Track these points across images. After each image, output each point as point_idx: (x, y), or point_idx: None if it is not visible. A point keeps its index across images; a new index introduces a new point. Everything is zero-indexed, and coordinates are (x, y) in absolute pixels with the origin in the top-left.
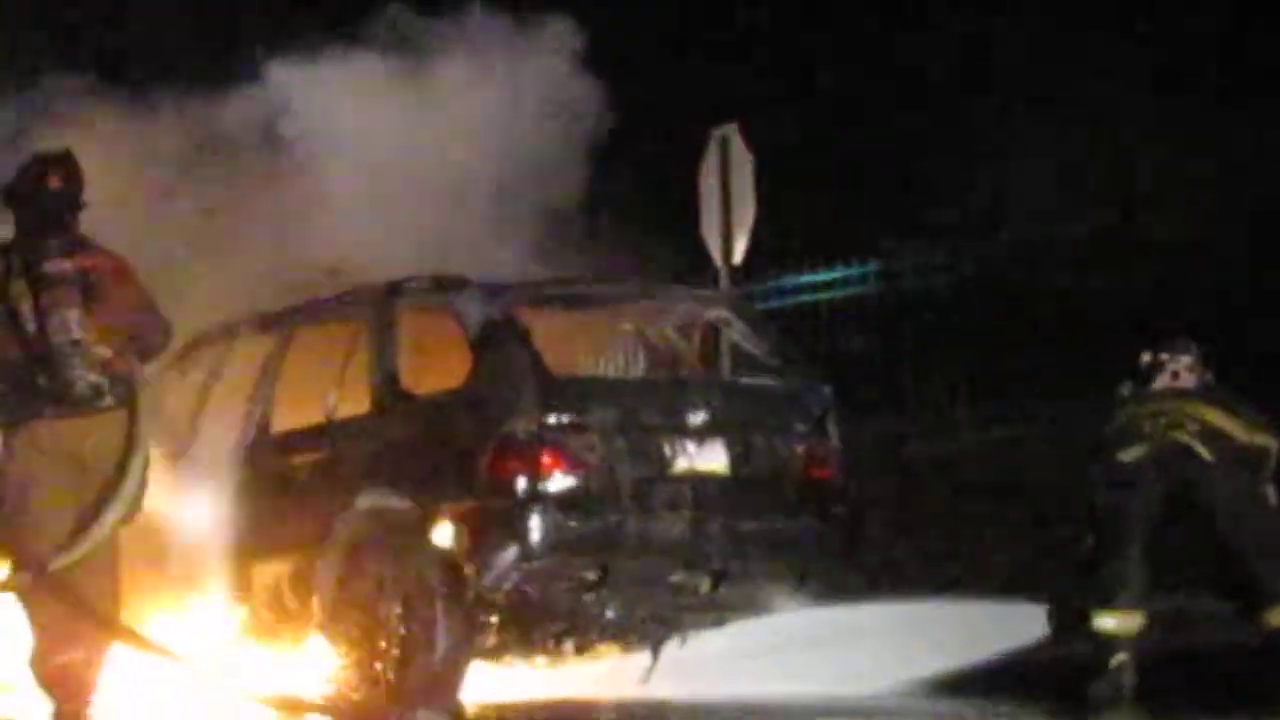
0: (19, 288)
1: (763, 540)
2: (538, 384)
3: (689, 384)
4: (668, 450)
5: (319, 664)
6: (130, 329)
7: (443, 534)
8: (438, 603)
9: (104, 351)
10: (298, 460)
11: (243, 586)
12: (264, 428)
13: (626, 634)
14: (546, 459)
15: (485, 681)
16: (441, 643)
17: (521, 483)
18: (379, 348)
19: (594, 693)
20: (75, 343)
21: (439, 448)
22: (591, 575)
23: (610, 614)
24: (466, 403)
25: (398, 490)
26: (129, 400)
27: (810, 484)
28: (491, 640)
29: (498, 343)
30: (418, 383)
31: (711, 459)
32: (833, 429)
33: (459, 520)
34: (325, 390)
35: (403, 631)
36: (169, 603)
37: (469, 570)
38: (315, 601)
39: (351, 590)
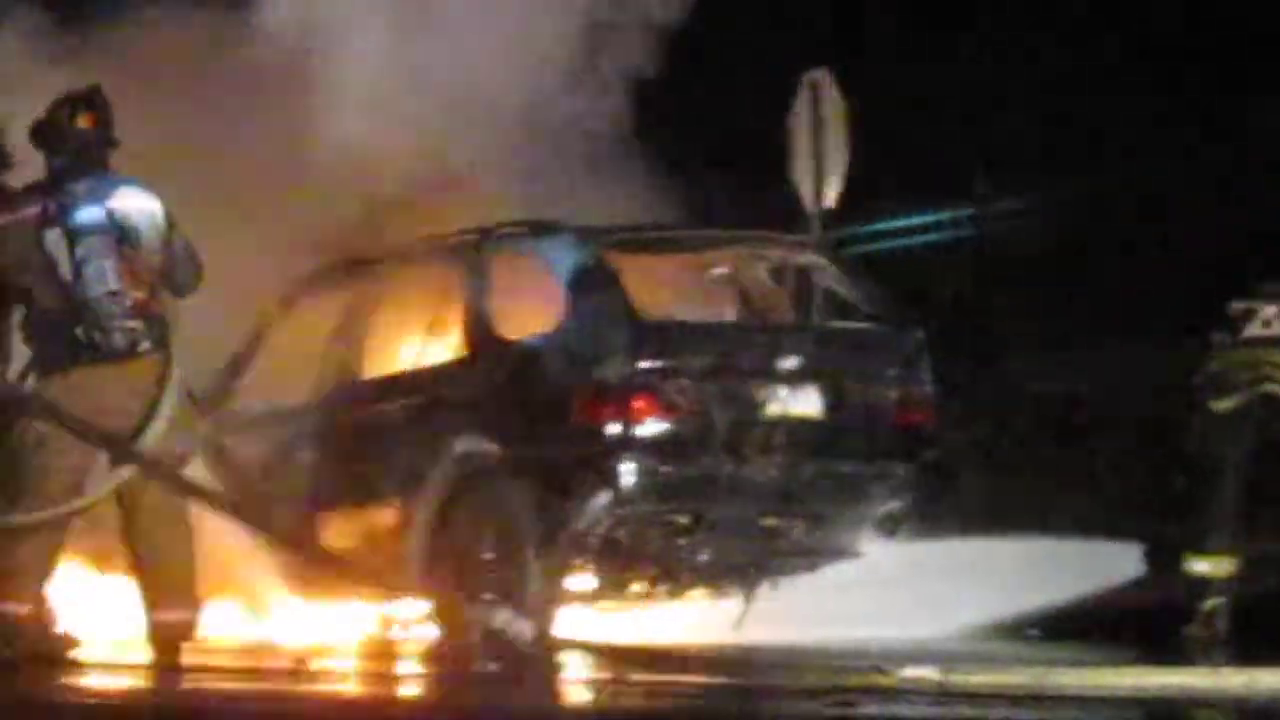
0: (54, 237)
1: (855, 484)
2: (630, 329)
3: (781, 329)
4: (760, 395)
5: (413, 609)
6: (163, 267)
7: (535, 479)
8: (530, 548)
9: (139, 294)
10: (390, 406)
11: (337, 533)
12: (355, 374)
13: (719, 579)
14: (639, 404)
15: (578, 625)
16: (533, 588)
17: (614, 427)
18: (471, 293)
19: (686, 638)
20: (113, 294)
21: (531, 393)
22: (684, 520)
23: (703, 558)
24: (559, 348)
25: (491, 435)
26: (163, 341)
27: (903, 428)
28: (584, 585)
29: (590, 287)
30: (510, 328)
31: (804, 404)
32: (925, 373)
33: (552, 465)
34: (417, 336)
35: (495, 577)
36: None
37: (562, 515)
38: (409, 547)
39: (445, 536)
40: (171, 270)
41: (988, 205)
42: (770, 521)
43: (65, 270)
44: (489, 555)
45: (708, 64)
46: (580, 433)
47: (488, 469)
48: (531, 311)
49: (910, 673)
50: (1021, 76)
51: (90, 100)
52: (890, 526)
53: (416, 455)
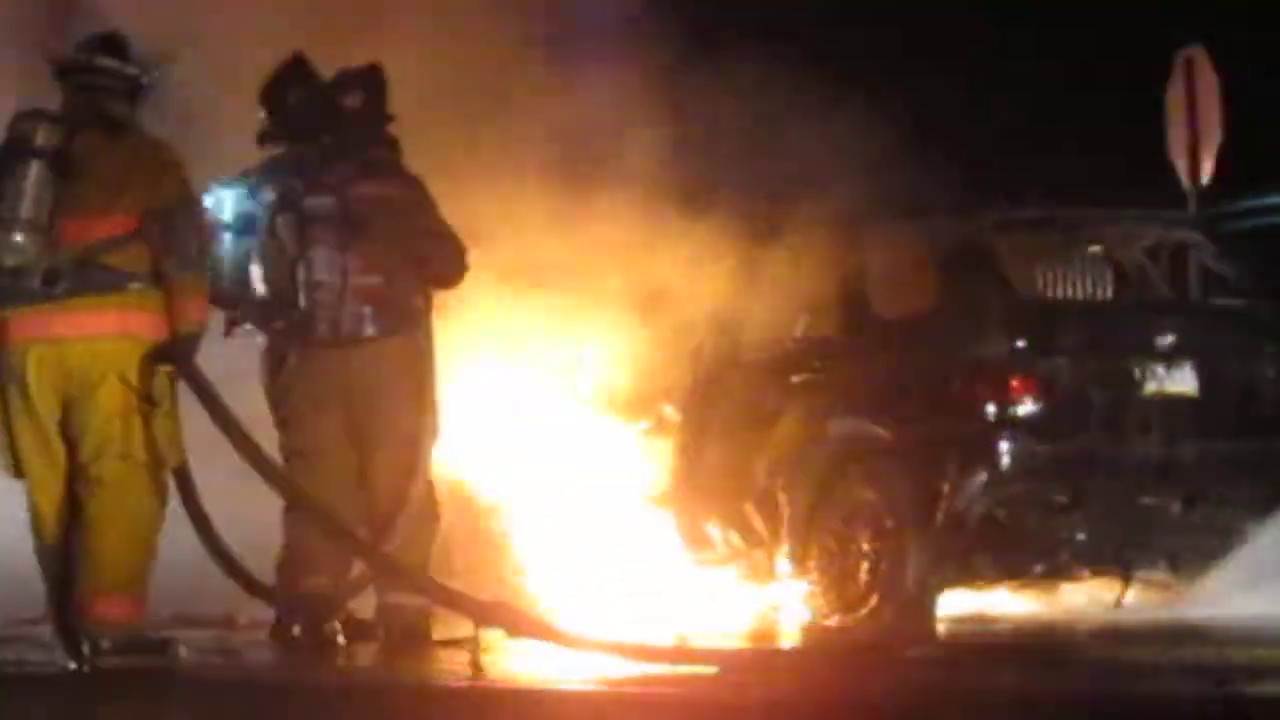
0: (285, 220)
1: (1234, 462)
2: (1006, 308)
3: (1158, 306)
4: (1137, 373)
5: (789, 589)
6: (414, 255)
7: (913, 459)
8: (908, 529)
9: (371, 280)
10: (767, 387)
11: (711, 512)
12: (732, 355)
13: (1098, 558)
14: (1016, 383)
15: (956, 606)
16: (912, 569)
17: (991, 407)
18: (848, 274)
19: (1066, 617)
20: (319, 283)
21: (909, 373)
22: (1062, 499)
23: (1081, 538)
24: (936, 327)
25: (868, 416)
26: (405, 330)
27: None
28: (962, 565)
29: (966, 267)
30: (887, 308)
31: (1181, 381)
32: None
33: (929, 445)
34: (795, 317)
35: (872, 558)
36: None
37: (940, 496)
38: (784, 528)
39: (822, 516)
40: (426, 258)
41: None
42: (1148, 500)
43: (292, 255)
44: (867, 536)
45: (1081, 41)
46: (958, 412)
47: (865, 450)
48: (908, 292)
49: None
50: None
51: (358, 77)
52: (1270, 505)
53: (795, 436)
